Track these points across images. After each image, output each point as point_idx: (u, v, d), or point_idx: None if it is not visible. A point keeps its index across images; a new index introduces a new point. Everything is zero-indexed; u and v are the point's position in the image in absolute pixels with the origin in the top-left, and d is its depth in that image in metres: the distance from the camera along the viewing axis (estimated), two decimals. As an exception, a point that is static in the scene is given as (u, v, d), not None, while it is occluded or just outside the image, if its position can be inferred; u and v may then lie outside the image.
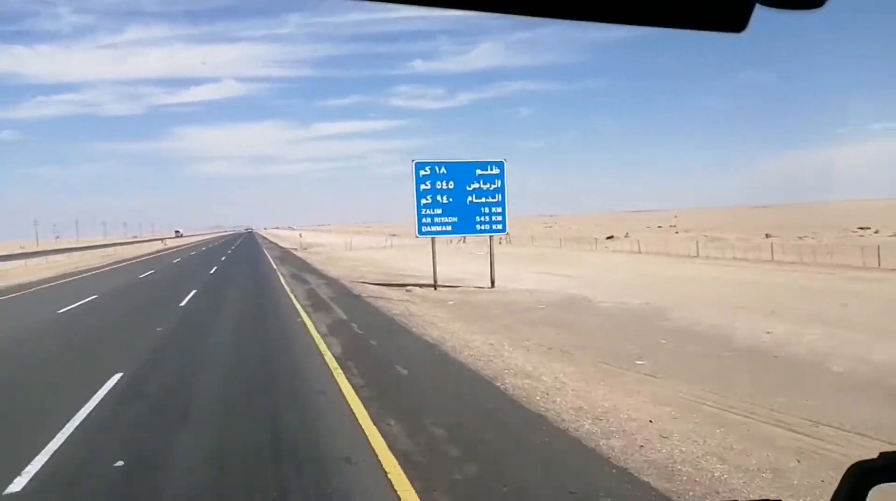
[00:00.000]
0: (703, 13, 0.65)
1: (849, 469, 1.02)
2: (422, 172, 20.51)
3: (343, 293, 19.48)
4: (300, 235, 68.18)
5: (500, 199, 20.96)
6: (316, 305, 16.39)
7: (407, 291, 20.11)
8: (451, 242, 67.97)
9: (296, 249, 57.23)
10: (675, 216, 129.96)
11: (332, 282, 23.33)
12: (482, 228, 21.02)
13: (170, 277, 29.19)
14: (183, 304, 17.76)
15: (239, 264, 36.38)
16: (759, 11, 0.65)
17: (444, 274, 24.88)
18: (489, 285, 20.78)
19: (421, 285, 21.38)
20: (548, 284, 21.64)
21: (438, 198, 20.60)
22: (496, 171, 20.95)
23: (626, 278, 24.00)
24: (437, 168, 20.60)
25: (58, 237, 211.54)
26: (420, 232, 20.70)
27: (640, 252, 36.79)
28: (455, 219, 20.75)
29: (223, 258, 43.80)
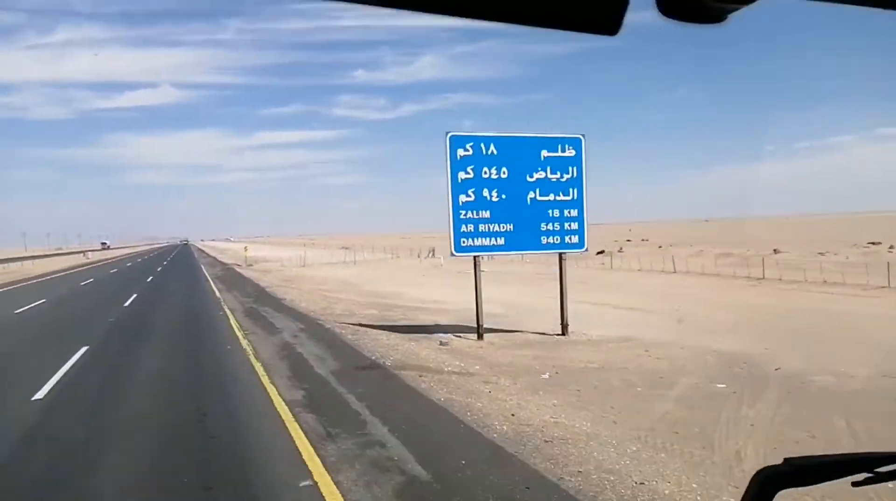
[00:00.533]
0: (578, 14, 0.65)
1: (755, 475, 1.03)
2: (460, 153, 12.89)
3: (341, 354, 11.57)
4: (245, 247, 59.18)
5: (575, 196, 13.57)
6: (318, 403, 8.27)
7: (441, 344, 12.38)
8: (419, 255, 59.23)
9: (239, 264, 48.33)
10: (630, 230, 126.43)
11: (310, 326, 15.27)
12: (550, 241, 13.54)
13: (68, 311, 20.36)
14: (44, 391, 9.39)
15: (168, 291, 27.64)
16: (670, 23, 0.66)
17: (455, 304, 17.38)
18: (555, 329, 13.40)
19: (455, 331, 13.72)
20: (631, 325, 14.45)
21: (485, 193, 13.02)
22: (571, 153, 13.55)
23: (719, 312, 17.11)
24: (483, 147, 13.02)
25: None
26: (457, 248, 13.03)
27: (674, 271, 30.09)
28: (510, 226, 13.21)
29: (150, 279, 34.78)
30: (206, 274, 38.24)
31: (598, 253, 54.83)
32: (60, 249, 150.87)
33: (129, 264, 57.72)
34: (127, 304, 21.45)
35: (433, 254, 52.58)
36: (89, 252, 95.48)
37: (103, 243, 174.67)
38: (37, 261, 69.80)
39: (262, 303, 20.83)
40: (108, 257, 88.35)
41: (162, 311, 19.38)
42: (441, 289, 24.14)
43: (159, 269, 47.28)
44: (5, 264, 60.64)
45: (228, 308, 19.16)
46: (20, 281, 38.22)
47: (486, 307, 13.27)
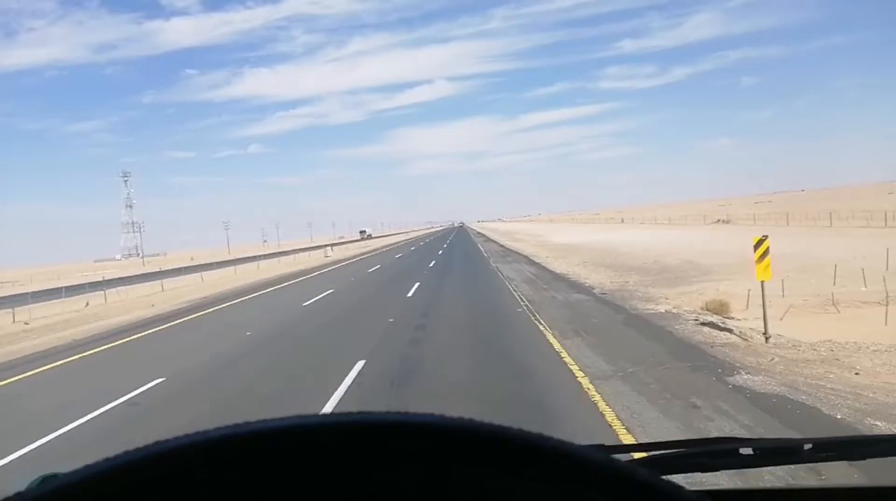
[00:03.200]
0: None
1: None
2: None
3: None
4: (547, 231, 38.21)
5: None
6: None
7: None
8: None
9: (560, 270, 25.76)
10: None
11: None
12: None
13: None
14: None
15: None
16: None
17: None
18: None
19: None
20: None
21: None
22: None
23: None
24: None
25: (265, 241, 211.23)
26: None
27: None
28: None
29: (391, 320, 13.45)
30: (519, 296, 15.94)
31: None
32: (342, 237, 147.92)
33: (376, 268, 39.32)
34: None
35: None
36: (331, 247, 67.63)
37: (362, 232, 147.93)
38: (263, 263, 56.94)
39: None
40: (363, 250, 67.91)
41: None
42: None
43: (430, 268, 27.31)
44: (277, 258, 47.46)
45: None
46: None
47: None
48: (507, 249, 39.88)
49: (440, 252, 41.50)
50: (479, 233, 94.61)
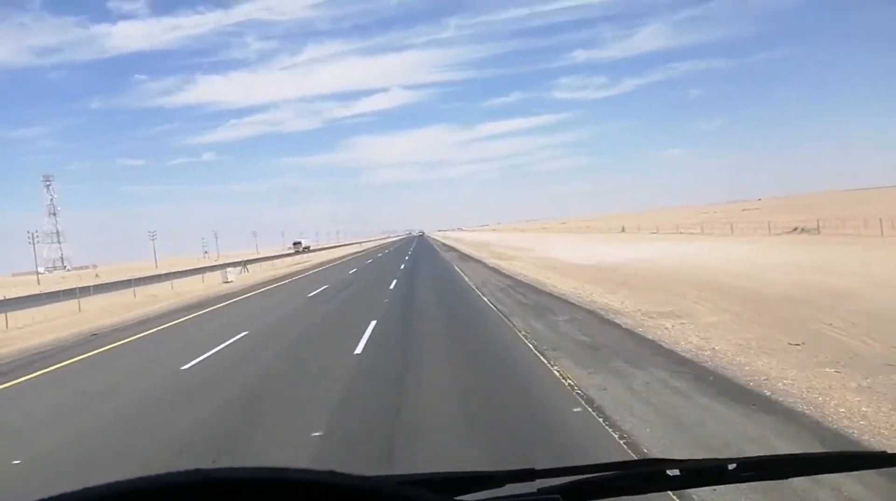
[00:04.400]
0: None
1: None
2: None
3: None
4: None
5: None
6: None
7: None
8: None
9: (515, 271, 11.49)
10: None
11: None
12: None
13: None
14: None
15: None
16: None
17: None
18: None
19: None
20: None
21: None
22: None
23: None
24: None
25: (206, 253, 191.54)
26: None
27: None
28: None
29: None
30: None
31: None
32: (290, 247, 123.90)
33: (280, 316, 24.49)
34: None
35: None
36: (245, 266, 49.23)
37: (297, 244, 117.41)
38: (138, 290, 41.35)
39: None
40: (292, 269, 49.46)
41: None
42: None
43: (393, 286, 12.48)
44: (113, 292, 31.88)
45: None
46: None
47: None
48: (505, 274, 25.47)
49: (391, 285, 23.89)
50: (445, 245, 79.84)
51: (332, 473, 0.64)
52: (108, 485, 0.47)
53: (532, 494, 1.07)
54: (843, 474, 3.86)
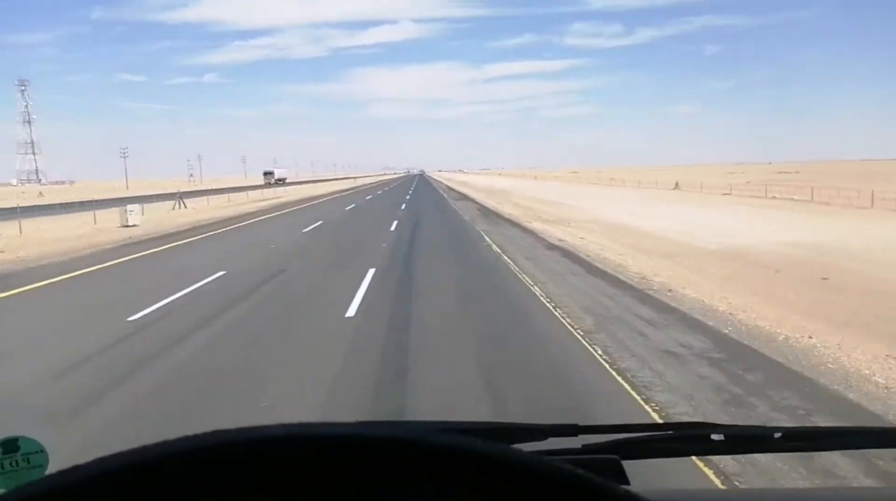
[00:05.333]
0: None
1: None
2: None
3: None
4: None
5: None
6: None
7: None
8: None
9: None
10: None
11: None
12: None
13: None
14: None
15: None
16: None
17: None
18: None
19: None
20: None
21: None
22: None
23: None
24: None
25: (191, 176, 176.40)
26: None
27: None
28: None
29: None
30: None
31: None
32: (283, 178, 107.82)
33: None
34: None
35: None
36: (181, 201, 35.80)
37: (268, 174, 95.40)
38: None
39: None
40: (248, 208, 36.73)
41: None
42: None
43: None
44: None
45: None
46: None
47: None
48: (627, 282, 12.09)
49: (363, 284, 10.88)
50: (452, 190, 66.31)
51: (371, 424, 0.53)
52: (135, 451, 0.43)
53: (589, 452, 1.06)
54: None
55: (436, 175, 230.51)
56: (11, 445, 0.96)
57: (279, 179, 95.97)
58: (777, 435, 1.06)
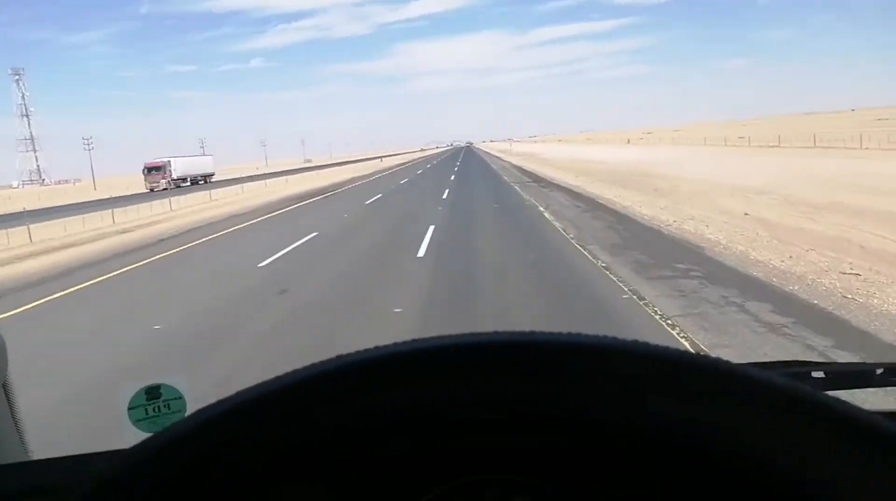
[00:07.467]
0: None
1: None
2: None
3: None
4: None
5: None
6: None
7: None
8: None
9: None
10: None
11: None
12: None
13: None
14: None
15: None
16: None
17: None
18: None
19: None
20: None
21: None
22: None
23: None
24: None
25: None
26: None
27: None
28: None
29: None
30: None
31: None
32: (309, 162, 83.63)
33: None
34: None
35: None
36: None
37: (154, 171, 56.26)
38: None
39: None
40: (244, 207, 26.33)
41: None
42: None
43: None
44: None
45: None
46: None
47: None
48: None
49: None
50: (522, 170, 42.05)
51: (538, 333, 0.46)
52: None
53: None
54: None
55: (485, 146, 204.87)
56: (154, 392, 0.98)
57: (180, 178, 57.85)
58: (879, 372, 1.07)
